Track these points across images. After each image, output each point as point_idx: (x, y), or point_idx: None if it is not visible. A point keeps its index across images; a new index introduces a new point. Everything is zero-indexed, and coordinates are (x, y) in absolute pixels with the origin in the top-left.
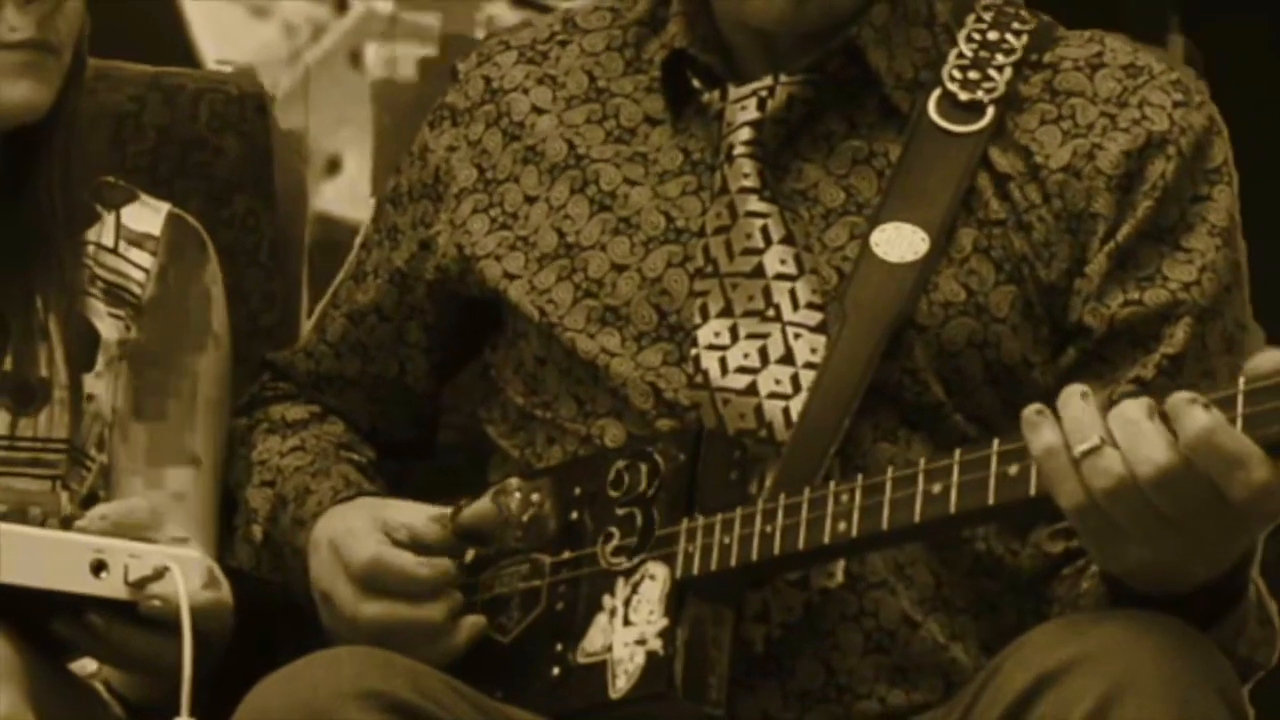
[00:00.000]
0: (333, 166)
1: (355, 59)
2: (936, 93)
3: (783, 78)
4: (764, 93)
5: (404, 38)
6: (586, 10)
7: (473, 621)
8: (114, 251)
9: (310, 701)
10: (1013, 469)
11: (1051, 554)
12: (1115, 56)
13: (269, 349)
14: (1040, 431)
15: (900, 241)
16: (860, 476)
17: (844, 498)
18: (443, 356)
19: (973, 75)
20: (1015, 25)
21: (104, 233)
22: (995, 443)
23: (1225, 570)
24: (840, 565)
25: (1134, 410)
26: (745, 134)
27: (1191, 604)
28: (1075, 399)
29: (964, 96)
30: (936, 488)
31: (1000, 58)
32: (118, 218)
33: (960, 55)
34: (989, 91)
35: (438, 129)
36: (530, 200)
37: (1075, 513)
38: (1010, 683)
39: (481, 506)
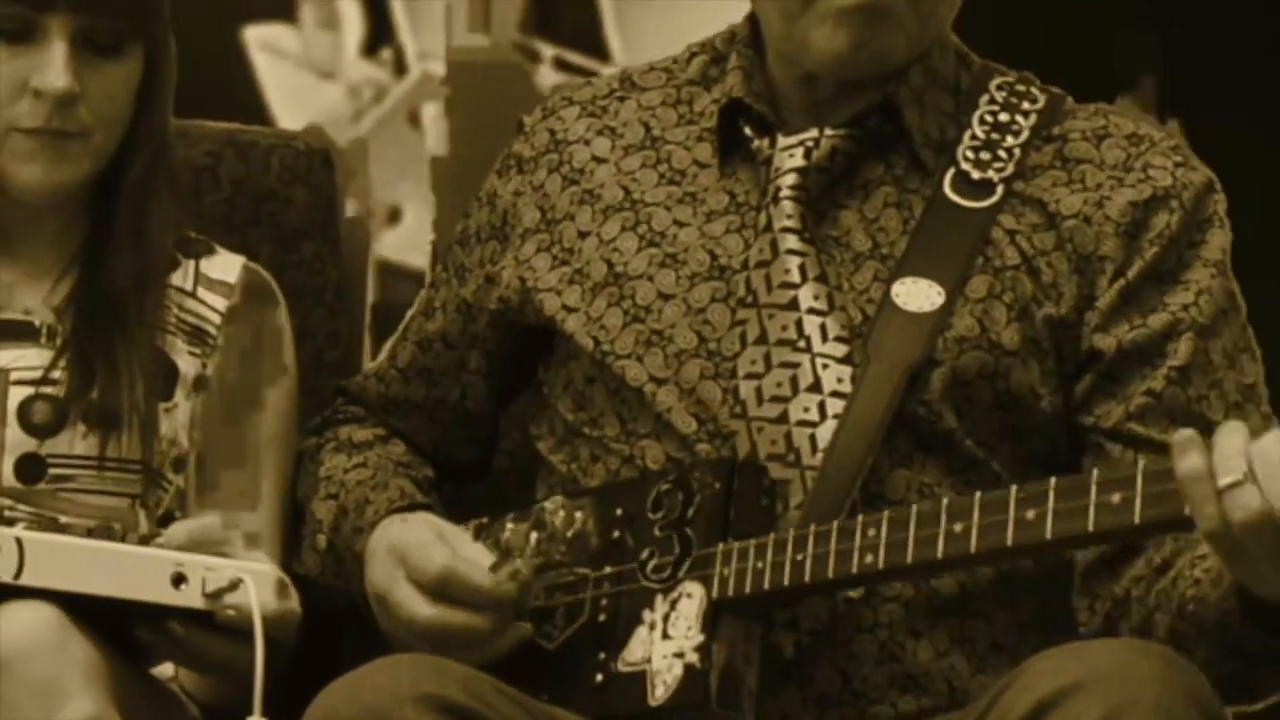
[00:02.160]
0: (393, 216)
1: (413, 118)
2: (951, 171)
3: (827, 131)
4: (810, 143)
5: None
6: (643, 70)
7: (518, 627)
8: (192, 295)
9: (372, 705)
10: (1030, 514)
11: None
12: (1119, 128)
13: (334, 383)
14: (1188, 456)
15: (919, 294)
16: (886, 512)
17: (870, 531)
18: (500, 382)
19: (984, 156)
20: (1025, 105)
21: (184, 278)
22: (1013, 489)
23: None
24: None
25: (1276, 448)
26: (791, 179)
27: None
28: (1229, 433)
29: (976, 175)
30: (958, 527)
31: (1010, 139)
32: (196, 265)
33: (974, 136)
34: (999, 171)
35: (505, 176)
36: (583, 235)
37: (1210, 536)
38: (1013, 706)
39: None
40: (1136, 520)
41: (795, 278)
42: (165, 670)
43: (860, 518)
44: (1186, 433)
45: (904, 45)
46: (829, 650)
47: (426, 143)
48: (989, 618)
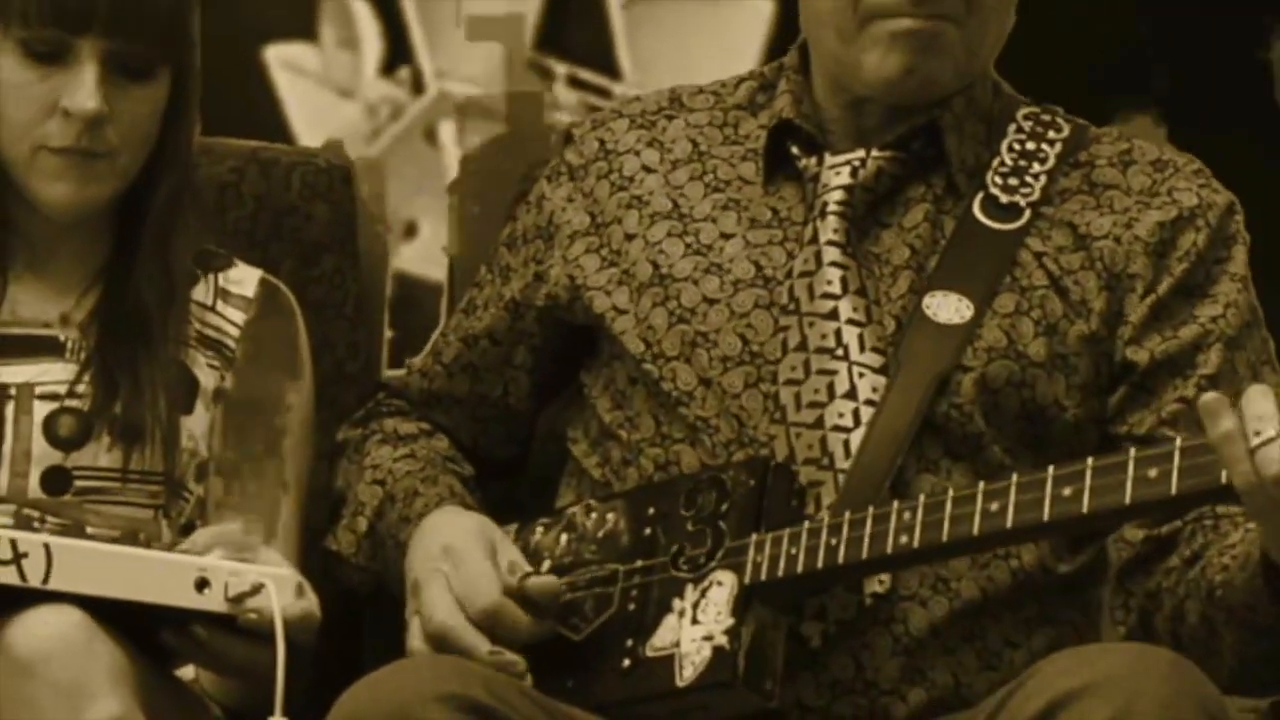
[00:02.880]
0: (410, 230)
1: (430, 135)
2: (981, 195)
3: (874, 152)
4: (856, 162)
5: (474, 116)
6: (692, 92)
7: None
8: (212, 309)
9: (396, 704)
10: (1066, 490)
11: (1134, 542)
12: (1144, 154)
13: (353, 393)
14: (1220, 419)
15: (948, 306)
16: (922, 497)
17: (906, 515)
18: (544, 378)
19: (1012, 181)
20: (1050, 134)
21: (204, 292)
22: (1050, 469)
23: None
24: (888, 574)
25: None
26: (839, 195)
27: None
28: (1259, 395)
29: (1004, 199)
30: (994, 506)
31: (1036, 166)
32: (216, 280)
33: (1002, 163)
34: (1025, 196)
35: (555, 182)
36: (630, 238)
37: (1245, 492)
38: (1024, 706)
39: (550, 582)
40: (1173, 491)
41: (836, 289)
42: (187, 672)
43: (895, 503)
44: (1214, 395)
45: (951, 73)
46: (847, 641)
47: (443, 159)
48: (997, 616)
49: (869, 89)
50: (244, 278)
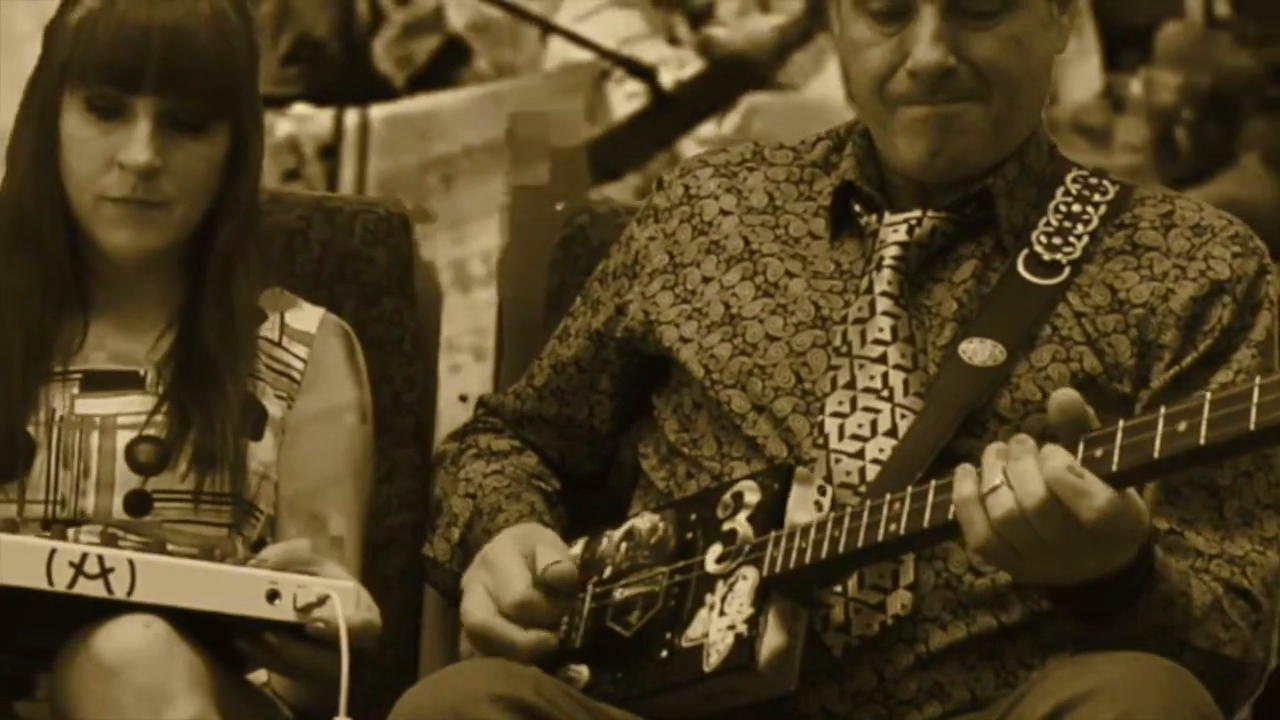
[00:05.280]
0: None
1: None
2: (1025, 252)
3: (930, 212)
4: (913, 221)
5: (519, 173)
6: (773, 147)
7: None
8: (278, 344)
9: (451, 704)
10: None
11: None
12: (1184, 218)
13: (410, 421)
14: (963, 484)
15: (983, 351)
16: (910, 488)
17: (896, 505)
18: (623, 403)
19: (1056, 241)
20: (1096, 197)
21: (272, 330)
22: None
23: (1111, 573)
24: (910, 599)
25: (1023, 457)
26: (894, 250)
27: (1088, 598)
28: (990, 453)
29: (1047, 257)
30: None
31: (1080, 228)
32: (281, 318)
33: (1047, 224)
34: (1067, 254)
35: (644, 224)
36: (707, 280)
37: (981, 548)
38: (1032, 710)
39: (565, 569)
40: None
41: (887, 336)
42: (259, 675)
43: (889, 495)
44: (964, 467)
45: (979, 149)
46: (870, 655)
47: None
48: (1014, 639)
49: (905, 170)
50: (307, 315)
